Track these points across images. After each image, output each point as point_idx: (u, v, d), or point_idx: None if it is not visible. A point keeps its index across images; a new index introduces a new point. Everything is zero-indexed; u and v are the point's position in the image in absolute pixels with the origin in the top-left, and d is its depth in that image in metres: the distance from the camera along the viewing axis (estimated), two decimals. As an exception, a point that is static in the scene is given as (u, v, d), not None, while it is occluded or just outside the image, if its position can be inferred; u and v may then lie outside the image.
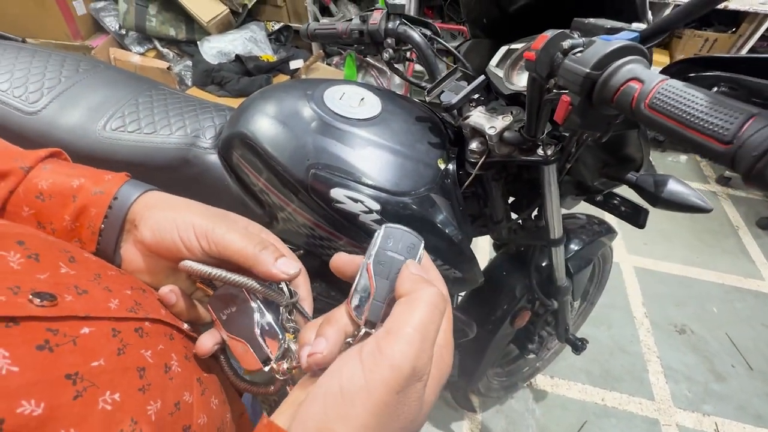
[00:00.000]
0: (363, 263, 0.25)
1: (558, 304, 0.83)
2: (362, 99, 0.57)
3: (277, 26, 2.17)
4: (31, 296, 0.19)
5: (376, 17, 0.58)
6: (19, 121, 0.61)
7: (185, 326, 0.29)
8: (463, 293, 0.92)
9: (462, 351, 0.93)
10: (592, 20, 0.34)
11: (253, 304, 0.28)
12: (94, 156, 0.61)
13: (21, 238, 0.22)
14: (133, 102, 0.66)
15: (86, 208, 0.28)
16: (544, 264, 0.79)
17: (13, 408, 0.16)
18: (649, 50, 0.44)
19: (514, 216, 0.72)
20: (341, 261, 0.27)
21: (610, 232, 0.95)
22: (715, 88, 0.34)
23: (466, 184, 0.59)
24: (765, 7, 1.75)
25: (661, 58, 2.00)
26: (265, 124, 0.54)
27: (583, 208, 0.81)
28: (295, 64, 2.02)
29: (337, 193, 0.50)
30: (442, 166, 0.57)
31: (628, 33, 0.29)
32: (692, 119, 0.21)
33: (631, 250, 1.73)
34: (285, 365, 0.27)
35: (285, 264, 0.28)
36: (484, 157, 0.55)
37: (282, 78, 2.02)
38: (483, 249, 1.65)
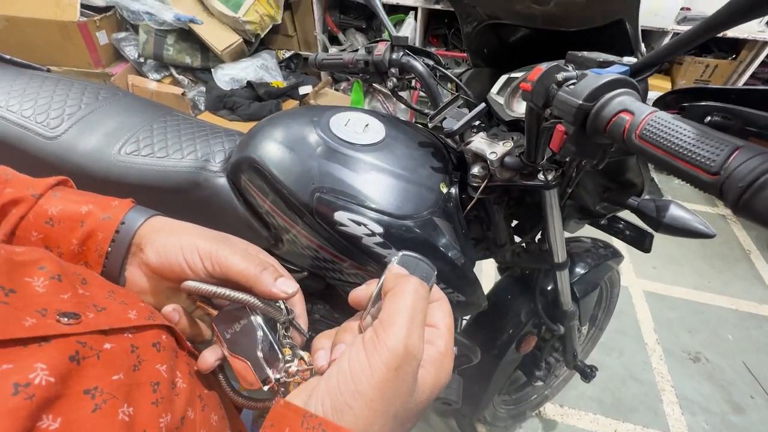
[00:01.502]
0: (378, 285, 0.28)
1: (564, 329, 0.82)
2: (367, 125, 0.59)
3: (287, 54, 2.27)
4: (57, 316, 0.20)
5: (381, 48, 0.60)
6: (40, 146, 0.63)
7: (188, 343, 0.30)
8: (467, 317, 0.91)
9: (467, 377, 0.91)
10: (585, 53, 0.36)
11: (256, 324, 0.29)
12: (109, 179, 0.63)
13: (42, 263, 0.23)
14: (148, 128, 0.69)
15: (94, 232, 0.29)
16: (549, 288, 0.79)
17: (35, 421, 0.17)
18: (643, 81, 0.45)
19: (517, 239, 0.72)
20: (358, 295, 0.29)
21: (616, 255, 0.94)
22: (709, 117, 0.35)
23: (468, 207, 0.60)
24: (764, 34, 1.78)
25: (663, 84, 2.03)
26: (272, 149, 0.56)
27: (589, 231, 0.81)
28: (304, 90, 2.09)
29: (340, 216, 0.51)
30: (445, 190, 0.58)
31: (619, 66, 0.30)
32: (680, 150, 0.22)
33: (640, 274, 1.70)
34: (284, 379, 0.28)
35: (284, 283, 0.29)
36: (485, 181, 0.57)
37: (291, 103, 2.09)
38: (488, 272, 1.63)
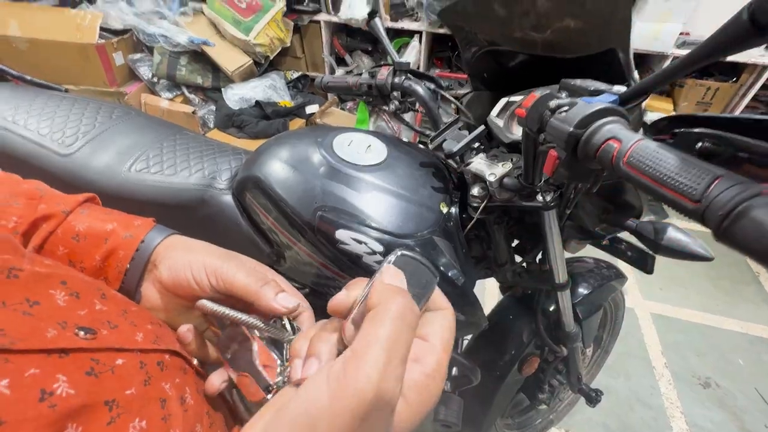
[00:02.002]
0: (366, 288, 0.24)
1: (567, 350, 0.81)
2: (369, 146, 0.61)
3: (295, 75, 2.33)
4: (76, 330, 0.21)
5: (384, 73, 0.63)
6: (55, 163, 0.66)
7: (195, 362, 0.31)
8: (468, 337, 0.90)
9: (468, 398, 0.89)
10: (578, 81, 0.37)
11: (251, 337, 0.29)
12: (120, 195, 0.65)
13: (64, 278, 0.24)
14: (158, 146, 0.72)
15: (116, 250, 0.30)
16: (551, 308, 0.78)
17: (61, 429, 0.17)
18: (637, 107, 0.47)
19: (518, 259, 0.72)
20: (339, 303, 0.26)
21: (619, 276, 0.93)
22: (700, 143, 0.36)
23: (468, 227, 0.60)
24: (764, 58, 1.81)
25: (665, 106, 2.06)
26: (277, 169, 0.58)
27: (593, 252, 0.81)
28: (310, 109, 2.14)
29: (342, 234, 0.52)
30: (445, 210, 0.59)
31: (608, 95, 0.31)
32: (665, 177, 0.22)
33: (646, 295, 1.67)
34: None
35: (284, 298, 0.30)
36: (485, 201, 0.57)
37: (298, 122, 2.14)
38: (492, 292, 1.62)
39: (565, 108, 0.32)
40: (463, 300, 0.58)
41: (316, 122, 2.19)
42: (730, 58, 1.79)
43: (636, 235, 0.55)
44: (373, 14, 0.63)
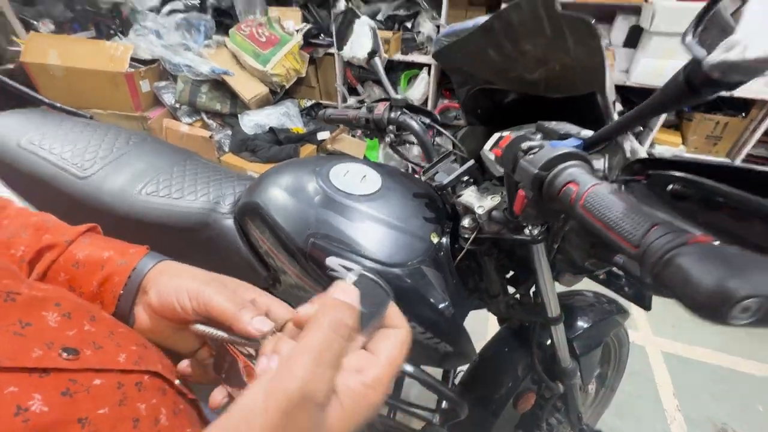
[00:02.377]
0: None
1: (564, 387, 0.79)
2: (364, 176, 0.63)
3: (309, 103, 2.44)
4: (60, 351, 0.23)
5: (381, 108, 0.66)
6: (72, 185, 0.71)
7: (177, 382, 0.32)
8: (464, 369, 0.89)
9: (462, 434, 0.87)
10: (552, 124, 0.39)
11: (236, 355, 0.31)
12: (130, 217, 0.69)
13: (58, 300, 0.27)
14: (169, 170, 0.76)
15: (111, 276, 0.33)
16: (547, 342, 0.77)
17: None
18: (620, 149, 0.48)
19: (512, 290, 0.72)
20: (305, 313, 0.27)
21: (621, 311, 0.91)
22: (671, 185, 0.37)
23: (458, 258, 0.61)
24: (774, 95, 1.81)
25: (673, 139, 2.06)
26: (275, 196, 0.61)
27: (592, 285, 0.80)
28: (321, 136, 2.22)
29: (332, 261, 0.54)
30: (435, 240, 0.60)
31: (574, 140, 0.33)
32: (612, 222, 0.24)
33: (657, 332, 1.61)
34: None
35: (259, 322, 0.31)
36: (474, 233, 0.59)
37: (309, 147, 2.21)
38: (495, 323, 1.59)
39: (534, 150, 0.34)
40: (451, 330, 0.58)
41: (327, 148, 2.26)
42: (737, 93, 1.80)
43: (623, 271, 0.55)
44: (372, 54, 0.68)
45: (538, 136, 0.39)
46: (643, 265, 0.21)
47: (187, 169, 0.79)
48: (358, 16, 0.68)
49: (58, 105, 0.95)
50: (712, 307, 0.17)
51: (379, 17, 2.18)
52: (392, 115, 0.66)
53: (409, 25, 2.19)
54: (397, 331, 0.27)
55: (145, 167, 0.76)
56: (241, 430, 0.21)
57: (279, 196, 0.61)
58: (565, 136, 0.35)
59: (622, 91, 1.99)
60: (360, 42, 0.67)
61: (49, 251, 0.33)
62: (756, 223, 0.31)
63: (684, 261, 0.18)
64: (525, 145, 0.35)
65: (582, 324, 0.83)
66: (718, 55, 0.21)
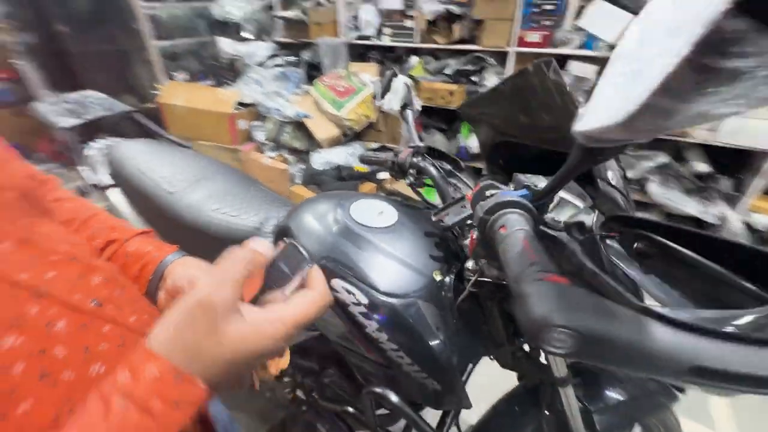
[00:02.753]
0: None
1: (580, 463, 0.71)
2: (381, 212, 0.70)
3: (375, 145, 2.64)
4: (91, 301, 0.34)
5: (405, 153, 0.74)
6: (162, 197, 0.90)
7: None
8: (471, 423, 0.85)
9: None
10: (528, 176, 0.43)
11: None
12: (198, 226, 0.85)
13: (104, 271, 0.38)
14: (232, 193, 0.93)
15: (147, 265, 0.45)
16: (560, 408, 0.71)
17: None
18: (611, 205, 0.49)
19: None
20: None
21: (667, 392, 0.80)
22: (636, 244, 0.38)
23: (460, 298, 0.63)
24: None
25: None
26: (304, 221, 0.71)
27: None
28: (381, 176, 2.37)
29: (336, 283, 0.61)
30: (438, 278, 0.64)
31: (523, 191, 0.36)
32: (512, 260, 0.27)
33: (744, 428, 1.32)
34: None
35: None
36: (476, 275, 0.61)
37: (368, 185, 2.37)
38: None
39: (489, 196, 0.38)
40: (438, 368, 0.60)
41: (386, 188, 2.40)
42: None
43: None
44: (404, 106, 0.77)
45: (512, 185, 0.43)
46: (513, 294, 0.24)
47: (249, 194, 0.95)
48: (396, 75, 0.79)
49: (167, 136, 1.22)
50: (533, 332, 0.20)
51: (447, 71, 2.34)
52: (414, 159, 0.73)
53: (475, 79, 2.31)
54: (311, 291, 0.32)
55: (218, 189, 0.94)
56: (163, 320, 0.28)
57: (306, 222, 0.71)
58: (520, 187, 0.38)
59: (708, 150, 1.81)
60: (395, 96, 0.77)
61: (113, 244, 0.47)
62: (701, 282, 0.31)
63: (530, 290, 0.21)
64: (489, 192, 0.40)
65: (609, 395, 0.76)
66: (574, 125, 0.24)
